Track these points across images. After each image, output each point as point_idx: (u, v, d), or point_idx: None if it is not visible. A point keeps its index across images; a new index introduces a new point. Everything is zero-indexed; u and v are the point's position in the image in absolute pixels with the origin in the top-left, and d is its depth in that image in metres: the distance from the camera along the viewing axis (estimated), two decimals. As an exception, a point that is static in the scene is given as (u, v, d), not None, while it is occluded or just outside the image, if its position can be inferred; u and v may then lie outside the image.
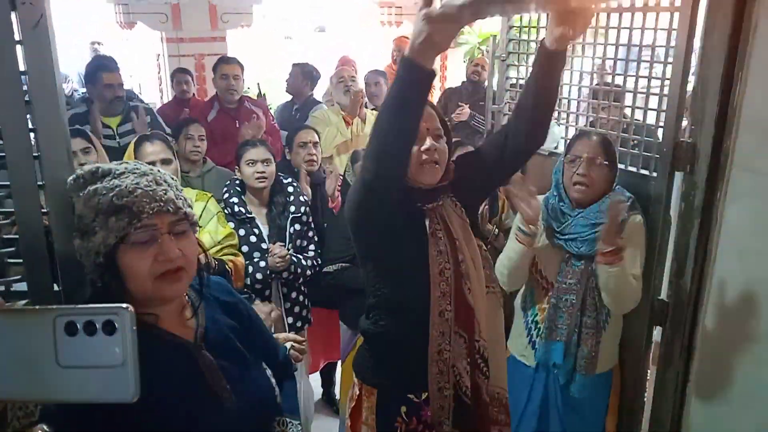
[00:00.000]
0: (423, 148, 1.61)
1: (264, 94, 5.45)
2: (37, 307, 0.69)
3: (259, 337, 1.39)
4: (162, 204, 1.10)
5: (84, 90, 5.60)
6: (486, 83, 5.21)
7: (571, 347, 2.17)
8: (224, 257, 2.36)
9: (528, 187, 2.06)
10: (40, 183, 1.15)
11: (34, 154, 1.14)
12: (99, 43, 8.20)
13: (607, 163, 2.11)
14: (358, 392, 1.79)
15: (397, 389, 1.71)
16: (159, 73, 6.55)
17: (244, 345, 1.29)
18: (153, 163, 2.48)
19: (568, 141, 2.28)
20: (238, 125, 3.98)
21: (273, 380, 1.34)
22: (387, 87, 4.71)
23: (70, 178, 1.11)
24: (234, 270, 2.37)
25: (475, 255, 1.71)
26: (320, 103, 4.84)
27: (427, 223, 1.66)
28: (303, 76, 4.86)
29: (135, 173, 1.12)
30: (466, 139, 3.96)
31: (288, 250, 2.64)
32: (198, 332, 1.21)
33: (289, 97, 4.97)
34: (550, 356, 2.20)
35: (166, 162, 2.47)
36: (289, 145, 3.18)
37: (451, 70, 8.19)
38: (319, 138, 3.22)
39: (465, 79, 5.42)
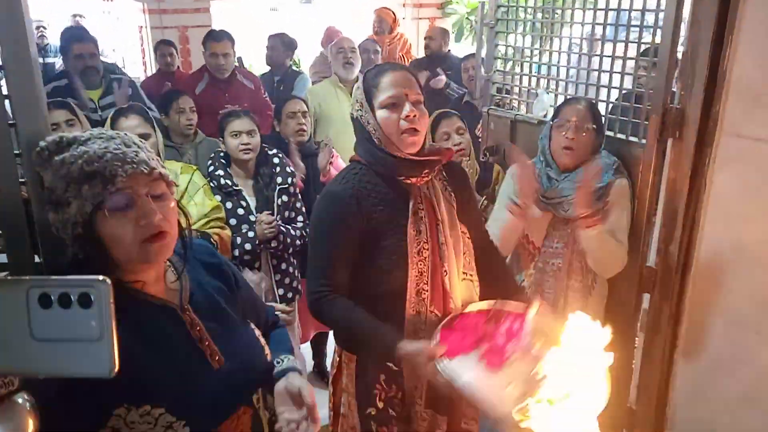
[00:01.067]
0: (403, 114, 1.59)
1: (250, 66, 5.38)
2: (9, 277, 0.67)
3: (245, 298, 1.38)
4: (135, 165, 1.06)
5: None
6: (442, 51, 5.19)
7: (557, 311, 2.18)
8: (210, 230, 2.34)
9: (532, 167, 2.11)
10: (16, 152, 1.12)
11: (10, 122, 1.11)
12: (80, 16, 8.03)
13: (594, 127, 2.12)
14: (338, 359, 1.81)
15: (376, 357, 1.72)
16: (142, 45, 6.44)
17: (230, 306, 1.28)
18: None
19: (557, 107, 2.27)
20: (227, 96, 3.92)
21: (262, 340, 1.33)
22: (381, 57, 4.66)
23: (34, 151, 1.07)
24: (220, 243, 2.35)
25: (457, 241, 1.71)
26: (301, 73, 4.79)
27: (411, 200, 1.65)
28: (284, 46, 4.79)
29: (101, 138, 1.08)
30: (439, 107, 3.93)
31: (276, 221, 2.62)
32: (183, 295, 1.19)
33: (264, 69, 4.90)
34: None
35: (144, 137, 2.42)
36: (277, 116, 3.13)
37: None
38: (307, 107, 3.18)
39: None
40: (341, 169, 1.81)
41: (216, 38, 4.08)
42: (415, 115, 1.60)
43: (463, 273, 1.73)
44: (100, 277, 0.70)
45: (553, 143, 2.18)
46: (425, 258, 1.64)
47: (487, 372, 1.42)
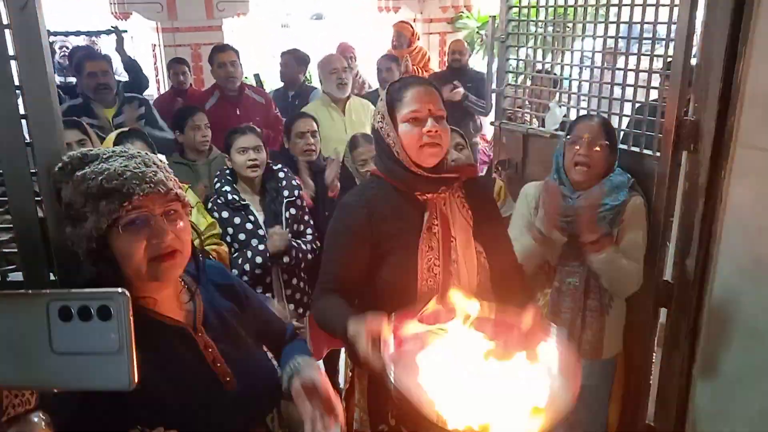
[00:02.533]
0: (425, 129, 1.59)
1: (263, 82, 5.42)
2: (29, 291, 0.67)
3: (259, 318, 1.38)
4: (152, 185, 1.08)
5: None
6: (468, 66, 5.23)
7: (575, 331, 2.15)
8: (207, 247, 2.36)
9: (558, 192, 2.09)
10: (33, 170, 1.13)
11: (26, 141, 1.12)
12: (96, 35, 8.14)
13: (608, 143, 2.10)
14: (350, 375, 1.80)
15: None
16: (155, 63, 6.51)
17: (243, 327, 1.28)
18: None
19: (570, 123, 2.26)
20: (239, 113, 3.94)
21: (275, 362, 1.33)
22: (398, 73, 4.66)
23: (57, 165, 1.09)
24: (218, 258, 2.36)
25: (470, 259, 1.68)
26: (315, 88, 4.81)
27: (426, 216, 1.64)
28: (297, 62, 4.83)
29: (123, 156, 1.10)
30: (459, 120, 3.91)
31: (287, 234, 2.62)
32: (197, 316, 1.20)
33: (278, 85, 4.93)
34: None
35: None
36: (287, 134, 3.14)
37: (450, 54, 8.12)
38: (317, 127, 3.18)
39: (447, 66, 5.40)
40: None
41: (221, 49, 4.12)
42: (437, 131, 1.59)
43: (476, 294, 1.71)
44: (119, 290, 0.70)
45: (567, 160, 2.15)
46: (436, 275, 1.63)
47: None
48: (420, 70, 5.80)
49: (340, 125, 3.84)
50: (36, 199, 1.13)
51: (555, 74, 2.90)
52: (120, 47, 5.17)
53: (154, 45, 6.42)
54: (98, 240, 1.06)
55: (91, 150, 1.11)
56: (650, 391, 2.34)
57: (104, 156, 1.10)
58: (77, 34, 5.79)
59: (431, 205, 1.65)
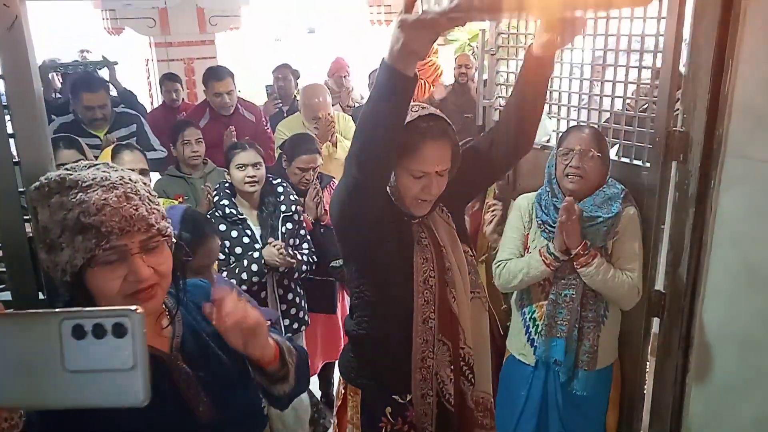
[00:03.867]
0: (422, 187, 1.56)
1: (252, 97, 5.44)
2: (42, 311, 0.67)
3: None
4: (132, 224, 1.03)
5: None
6: (473, 79, 5.26)
7: (571, 343, 2.15)
8: None
9: (578, 220, 2.05)
10: (21, 189, 1.12)
11: (15, 160, 1.12)
12: (87, 51, 8.16)
13: (599, 155, 2.10)
14: (343, 391, 1.79)
15: (382, 390, 1.70)
16: (148, 78, 6.52)
17: (225, 351, 1.21)
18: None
19: (561, 134, 2.27)
20: (233, 129, 3.95)
21: (259, 391, 1.27)
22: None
23: (33, 185, 1.05)
24: None
25: (461, 262, 1.69)
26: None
27: (413, 230, 1.64)
28: (293, 77, 4.85)
29: (103, 187, 1.04)
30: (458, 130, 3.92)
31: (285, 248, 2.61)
32: (174, 342, 1.15)
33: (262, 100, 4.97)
34: (550, 353, 2.18)
35: (142, 173, 2.47)
36: (289, 159, 3.06)
37: (442, 67, 8.17)
38: (321, 160, 3.13)
39: (453, 81, 5.43)
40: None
41: (218, 77, 4.02)
42: (436, 189, 1.57)
43: (471, 292, 1.72)
44: (133, 307, 0.70)
45: (558, 171, 2.16)
46: (431, 287, 1.63)
47: None
48: (427, 84, 5.81)
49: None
50: (24, 217, 1.13)
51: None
52: (113, 78, 5.13)
53: (147, 60, 6.44)
54: (72, 274, 1.02)
55: (71, 173, 1.05)
56: (645, 400, 2.34)
57: (83, 184, 1.04)
58: (75, 64, 5.76)
59: (416, 226, 1.65)
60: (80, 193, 1.02)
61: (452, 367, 1.68)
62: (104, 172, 1.07)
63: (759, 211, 1.82)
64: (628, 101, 2.33)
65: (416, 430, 1.69)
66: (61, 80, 5.92)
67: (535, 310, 2.24)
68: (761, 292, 1.85)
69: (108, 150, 2.59)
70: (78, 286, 1.03)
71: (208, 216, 2.59)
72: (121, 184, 1.06)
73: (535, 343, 2.23)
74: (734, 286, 1.93)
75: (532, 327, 2.25)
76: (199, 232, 1.91)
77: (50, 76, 5.79)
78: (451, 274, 1.65)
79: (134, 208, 1.04)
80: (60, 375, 0.65)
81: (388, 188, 1.59)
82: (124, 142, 2.76)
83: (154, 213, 1.08)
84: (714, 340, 2.02)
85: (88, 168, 1.07)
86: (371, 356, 1.72)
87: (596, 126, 2.30)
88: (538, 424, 2.26)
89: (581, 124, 2.40)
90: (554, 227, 2.13)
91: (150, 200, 1.09)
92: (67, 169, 1.06)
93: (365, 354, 1.73)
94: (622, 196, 2.12)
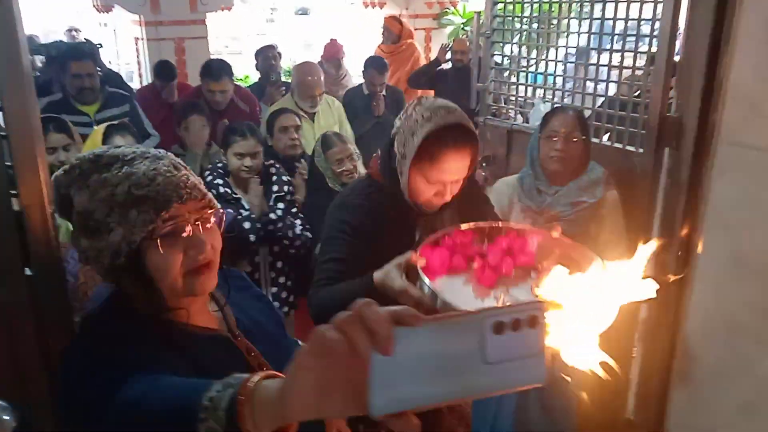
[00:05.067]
0: (437, 192, 1.55)
1: (246, 78, 5.39)
2: (467, 311, 0.70)
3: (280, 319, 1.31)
4: (188, 191, 0.98)
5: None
6: (468, 64, 5.24)
7: None
8: None
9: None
10: (8, 164, 1.11)
11: (2, 134, 1.10)
12: (77, 30, 8.04)
13: (584, 138, 2.11)
14: None
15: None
16: (138, 57, 6.43)
17: (274, 325, 1.22)
18: None
19: (544, 116, 2.26)
20: (227, 121, 3.91)
21: None
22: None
23: (63, 168, 0.99)
24: None
25: None
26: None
27: (417, 234, 1.62)
28: (280, 56, 4.85)
29: (148, 158, 0.98)
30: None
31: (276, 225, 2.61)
32: (230, 322, 1.12)
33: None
34: None
35: None
36: (269, 130, 3.12)
37: (436, 51, 8.12)
38: (300, 122, 3.17)
39: (450, 66, 5.41)
40: None
41: (215, 77, 3.94)
42: (450, 194, 1.57)
43: None
44: (542, 300, 0.76)
45: (542, 154, 2.16)
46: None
47: (479, 291, 1.26)
48: (407, 78, 5.77)
49: (309, 133, 3.81)
50: (11, 192, 1.11)
51: (540, 71, 2.90)
52: (97, 60, 5.07)
53: (137, 38, 6.35)
54: (128, 254, 0.95)
55: (107, 150, 0.99)
56: (630, 386, 2.36)
57: (125, 157, 0.97)
58: (57, 44, 5.65)
59: (422, 222, 1.63)
60: (125, 167, 0.96)
61: None
62: (142, 148, 1.02)
63: (750, 198, 1.83)
64: (622, 86, 2.33)
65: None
66: (43, 60, 5.82)
67: None
68: (750, 279, 1.86)
69: (99, 130, 2.54)
70: (133, 268, 0.96)
71: None
72: (166, 155, 1.02)
73: None
74: (723, 274, 1.94)
75: None
76: None
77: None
78: None
79: (185, 177, 1.00)
80: (480, 368, 0.71)
81: (402, 184, 1.58)
82: (116, 122, 2.71)
83: (201, 183, 1.05)
84: (701, 326, 2.04)
85: (115, 148, 1.02)
86: None
87: (590, 110, 2.30)
88: (516, 423, 2.29)
89: (565, 106, 2.40)
90: (537, 212, 2.13)
91: (192, 172, 1.05)
92: (94, 152, 1.00)
93: None
94: (604, 179, 2.13)
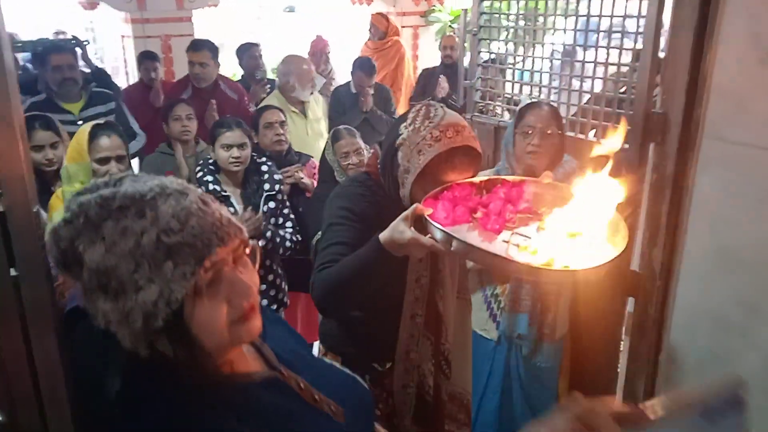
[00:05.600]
0: (429, 188, 1.55)
1: (233, 75, 5.37)
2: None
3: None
4: (227, 229, 0.84)
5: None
6: (457, 61, 5.25)
7: (535, 316, 2.19)
8: None
9: None
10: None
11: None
12: (63, 33, 7.96)
13: (559, 132, 2.13)
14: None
15: (362, 358, 1.71)
16: (124, 55, 6.39)
17: (306, 349, 1.12)
18: (108, 160, 2.42)
19: (519, 111, 2.26)
20: (215, 104, 3.92)
21: (346, 369, 1.17)
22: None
23: (63, 217, 0.83)
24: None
25: (454, 264, 1.73)
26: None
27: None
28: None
29: (170, 194, 0.83)
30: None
31: (260, 218, 2.61)
32: (269, 357, 1.01)
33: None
34: (515, 328, 2.22)
35: (120, 159, 2.41)
36: (255, 126, 3.11)
37: (423, 49, 8.14)
38: (285, 117, 3.17)
39: (440, 63, 5.44)
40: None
41: (195, 48, 4.06)
42: None
43: (458, 293, 1.74)
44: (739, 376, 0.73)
45: (517, 149, 2.17)
46: (422, 285, 1.65)
47: (484, 236, 1.31)
48: (393, 75, 5.78)
49: (302, 127, 3.82)
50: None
51: (527, 68, 2.91)
52: (85, 57, 5.03)
53: (123, 36, 6.30)
54: (167, 315, 0.80)
55: (115, 189, 0.83)
56: (618, 379, 2.38)
57: (143, 197, 0.81)
58: (41, 42, 5.60)
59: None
60: (147, 210, 0.81)
61: (433, 360, 1.71)
62: (151, 180, 0.86)
63: (734, 193, 1.85)
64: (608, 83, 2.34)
65: (394, 397, 1.72)
66: (27, 57, 5.77)
67: (497, 287, 2.26)
68: (734, 273, 1.88)
69: (85, 129, 2.51)
70: (173, 329, 0.82)
71: None
72: (185, 188, 0.86)
73: (498, 319, 2.26)
74: (708, 267, 1.96)
75: (494, 303, 2.28)
76: None
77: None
78: (443, 276, 1.68)
79: (217, 211, 0.86)
80: None
81: (400, 191, 1.59)
82: (101, 121, 2.70)
83: (231, 215, 0.91)
84: (687, 319, 2.06)
85: (122, 182, 0.86)
86: (353, 327, 1.74)
87: (576, 107, 2.31)
88: (501, 397, 2.31)
89: (539, 101, 2.41)
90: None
91: (219, 203, 0.92)
92: (98, 190, 0.84)
93: (347, 324, 1.75)
94: (578, 172, 2.15)
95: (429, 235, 1.31)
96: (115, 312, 0.81)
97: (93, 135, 2.45)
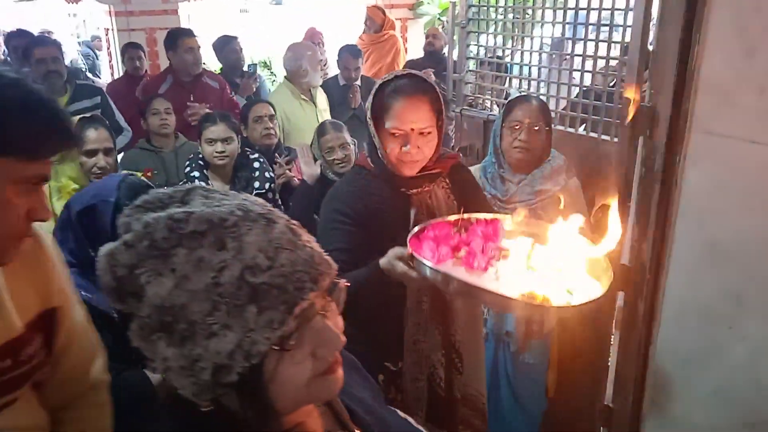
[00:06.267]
0: (404, 149, 1.57)
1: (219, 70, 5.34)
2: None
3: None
4: (320, 268, 0.71)
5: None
6: (444, 51, 5.25)
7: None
8: None
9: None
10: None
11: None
12: (49, 32, 7.86)
13: (547, 128, 2.13)
14: None
15: (374, 358, 1.71)
16: (108, 48, 6.32)
17: (376, 398, 1.00)
18: (96, 152, 2.40)
19: (507, 105, 2.26)
20: (193, 98, 3.87)
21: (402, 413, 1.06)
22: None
23: (118, 243, 0.69)
24: None
25: None
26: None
27: (412, 212, 1.63)
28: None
29: (255, 220, 0.69)
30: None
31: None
32: (342, 416, 0.89)
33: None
34: (502, 325, 2.22)
35: (108, 152, 2.39)
36: (244, 121, 3.10)
37: (412, 41, 8.12)
38: (275, 111, 3.15)
39: (423, 53, 5.43)
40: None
41: (187, 34, 4.06)
42: (417, 148, 1.57)
43: None
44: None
45: (505, 143, 2.17)
46: None
47: (473, 273, 1.38)
48: (389, 69, 5.77)
49: (312, 115, 3.81)
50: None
51: (516, 61, 2.91)
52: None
53: (108, 29, 6.24)
54: (244, 369, 0.67)
55: (185, 204, 0.69)
56: (609, 372, 2.38)
57: (224, 222, 0.67)
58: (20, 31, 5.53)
59: (416, 200, 1.65)
60: (229, 239, 0.67)
61: (443, 351, 1.70)
62: (229, 200, 0.71)
63: (722, 186, 1.85)
64: (597, 77, 2.34)
65: (407, 394, 1.72)
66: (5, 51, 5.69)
67: None
68: (722, 266, 1.89)
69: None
70: (246, 385, 0.68)
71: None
72: (271, 213, 0.73)
73: (486, 316, 2.26)
74: (697, 261, 1.96)
75: None
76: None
77: None
78: None
79: (308, 243, 0.73)
80: None
81: (379, 153, 1.63)
82: (88, 114, 2.68)
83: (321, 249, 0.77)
84: (676, 313, 2.06)
85: (191, 197, 0.72)
86: (364, 325, 1.73)
87: (565, 100, 2.31)
88: (489, 393, 2.32)
89: (528, 95, 2.41)
90: (503, 201, 2.15)
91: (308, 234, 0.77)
92: (162, 206, 0.70)
93: (357, 322, 1.74)
94: (566, 168, 2.15)
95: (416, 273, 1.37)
96: (179, 359, 0.67)
97: (80, 128, 2.44)
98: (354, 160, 2.80)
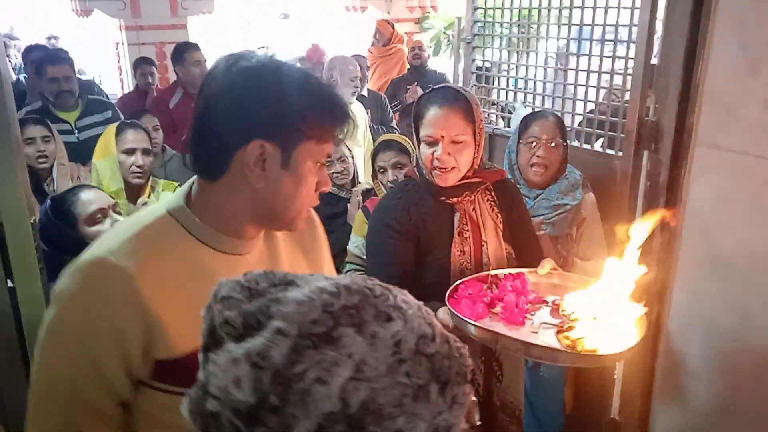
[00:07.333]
0: (435, 155, 1.61)
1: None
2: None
3: None
4: (466, 370, 0.57)
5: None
6: (428, 67, 5.28)
7: None
8: None
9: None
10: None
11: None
12: (55, 38, 7.94)
13: (564, 144, 2.14)
14: None
15: None
16: (119, 62, 6.39)
17: None
18: (134, 151, 2.53)
19: (523, 121, 2.28)
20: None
21: None
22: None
23: (266, 337, 0.51)
24: None
25: (501, 261, 1.74)
26: None
27: (456, 217, 1.67)
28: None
29: (387, 289, 0.57)
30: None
31: None
32: None
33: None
34: None
35: (146, 152, 2.51)
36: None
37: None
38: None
39: (408, 66, 5.45)
40: None
41: (194, 47, 4.07)
42: (448, 154, 1.61)
43: None
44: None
45: (521, 159, 2.18)
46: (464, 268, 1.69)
47: (512, 328, 1.45)
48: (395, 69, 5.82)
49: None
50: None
51: (521, 76, 2.93)
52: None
53: (117, 43, 6.30)
54: None
55: (315, 294, 0.54)
56: (615, 386, 2.38)
57: (371, 290, 0.55)
58: (36, 45, 5.56)
59: (460, 209, 1.68)
60: (390, 309, 0.55)
61: (482, 358, 1.71)
62: (339, 281, 0.56)
63: (726, 200, 1.86)
64: (607, 91, 2.36)
65: None
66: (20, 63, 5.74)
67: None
68: (727, 279, 1.89)
69: (111, 128, 2.64)
70: None
71: None
72: (412, 302, 0.58)
73: None
74: (702, 274, 1.97)
75: None
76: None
77: None
78: (489, 269, 1.70)
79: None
80: None
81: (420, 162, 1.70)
82: (128, 121, 2.82)
83: None
84: (682, 326, 2.06)
85: (289, 288, 0.56)
86: None
87: (570, 115, 2.32)
88: None
89: (544, 111, 2.42)
90: None
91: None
92: (270, 289, 0.56)
93: None
94: (581, 182, 2.16)
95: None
96: None
97: (120, 130, 2.61)
98: (353, 172, 2.82)
